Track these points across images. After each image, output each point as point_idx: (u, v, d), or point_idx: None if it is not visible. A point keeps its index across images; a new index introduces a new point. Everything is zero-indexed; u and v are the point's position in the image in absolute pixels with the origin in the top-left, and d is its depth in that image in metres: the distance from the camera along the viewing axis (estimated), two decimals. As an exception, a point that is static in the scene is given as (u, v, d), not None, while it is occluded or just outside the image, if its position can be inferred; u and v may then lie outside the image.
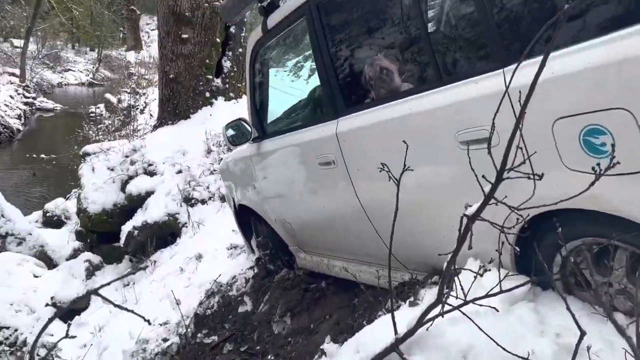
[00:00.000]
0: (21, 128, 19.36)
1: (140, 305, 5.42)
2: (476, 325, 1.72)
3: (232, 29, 7.73)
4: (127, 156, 7.19)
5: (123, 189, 7.00)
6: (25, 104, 21.87)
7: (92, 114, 20.33)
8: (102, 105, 20.11)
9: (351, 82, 2.56)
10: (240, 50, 7.81)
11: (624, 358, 1.45)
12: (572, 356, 1.37)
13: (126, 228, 6.53)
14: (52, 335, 6.01)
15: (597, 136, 1.53)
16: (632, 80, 1.42)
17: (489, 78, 1.83)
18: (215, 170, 6.59)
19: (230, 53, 7.82)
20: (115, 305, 1.63)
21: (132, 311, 1.64)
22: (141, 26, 37.49)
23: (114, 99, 19.42)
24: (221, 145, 6.77)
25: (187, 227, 6.36)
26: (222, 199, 6.32)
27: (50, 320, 1.16)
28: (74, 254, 7.70)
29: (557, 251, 1.88)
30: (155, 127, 7.90)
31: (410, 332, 1.85)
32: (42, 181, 13.22)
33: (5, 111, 18.74)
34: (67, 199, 10.31)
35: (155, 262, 6.20)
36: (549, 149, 1.68)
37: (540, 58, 1.30)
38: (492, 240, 1.81)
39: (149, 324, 1.62)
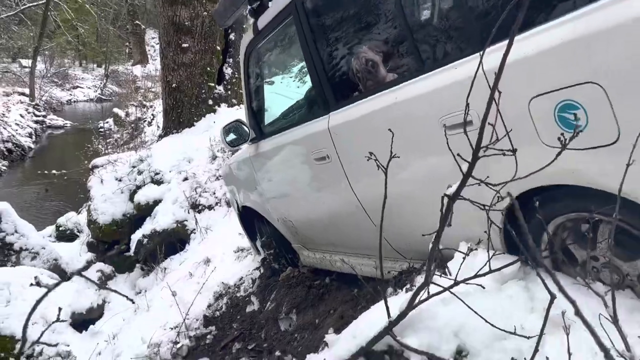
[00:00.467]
0: (32, 146, 19.65)
1: (152, 310, 5.50)
2: (465, 304, 1.75)
3: (232, 36, 7.82)
4: (134, 166, 7.30)
5: (131, 198, 7.10)
6: (36, 122, 22.21)
7: (101, 129, 20.60)
8: (110, 120, 20.38)
9: (339, 77, 2.61)
10: (241, 56, 7.90)
11: (604, 325, 1.47)
12: (544, 318, 1.40)
13: (136, 237, 6.63)
14: (69, 345, 6.13)
15: (571, 111, 1.56)
16: (600, 54, 1.45)
17: (466, 62, 1.87)
18: (220, 176, 6.66)
19: (231, 60, 7.91)
20: (98, 285, 1.68)
21: (115, 291, 1.70)
22: (146, 40, 37.94)
23: (122, 113, 19.67)
24: (225, 152, 6.85)
25: (195, 233, 6.43)
26: (229, 204, 6.39)
27: (37, 302, 1.21)
28: (88, 266, 7.79)
29: (544, 229, 1.91)
30: (160, 137, 8.00)
31: (402, 315, 1.88)
32: (54, 196, 13.41)
33: (17, 130, 19.04)
34: (79, 213, 10.46)
35: (165, 269, 6.28)
36: (527, 127, 1.71)
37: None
38: (482, 222, 1.85)
39: (132, 302, 1.67)
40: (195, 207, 6.56)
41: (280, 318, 3.75)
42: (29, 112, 22.44)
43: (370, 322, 2.05)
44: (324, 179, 2.96)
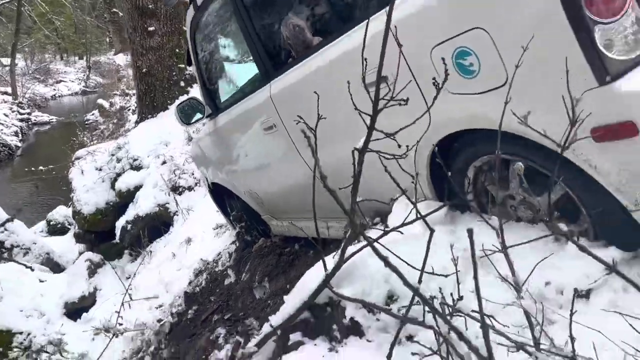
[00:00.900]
0: (20, 144, 19.62)
1: (139, 293, 5.63)
2: (389, 250, 1.84)
3: (199, 16, 7.78)
4: (112, 155, 7.34)
5: (113, 186, 7.16)
6: (21, 120, 22.12)
7: (87, 122, 20.51)
8: (96, 112, 20.28)
9: (274, 45, 2.66)
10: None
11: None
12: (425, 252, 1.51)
13: (120, 224, 6.71)
14: (64, 334, 6.27)
15: (465, 58, 1.62)
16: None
17: (376, 19, 1.92)
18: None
19: (200, 40, 7.88)
20: (20, 263, 1.76)
21: (15, 260, 1.78)
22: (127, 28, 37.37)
23: (106, 104, 19.54)
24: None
25: (177, 215, 6.51)
26: (208, 182, 6.47)
27: None
28: (80, 257, 7.94)
29: (465, 173, 1.99)
30: (137, 123, 8.03)
31: (336, 268, 1.97)
32: (44, 192, 13.47)
33: (1, 129, 18.97)
34: (68, 206, 10.53)
35: (151, 252, 6.39)
36: (433, 76, 1.77)
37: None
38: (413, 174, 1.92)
39: (32, 270, 1.75)
40: (176, 189, 6.63)
41: (254, 287, 3.86)
42: (13, 111, 22.32)
43: (312, 278, 2.15)
44: (275, 149, 3.02)
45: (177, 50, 7.50)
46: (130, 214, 6.71)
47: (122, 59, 31.24)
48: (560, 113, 1.30)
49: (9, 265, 7.23)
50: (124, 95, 18.98)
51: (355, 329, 1.97)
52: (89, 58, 34.93)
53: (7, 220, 6.32)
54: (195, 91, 7.70)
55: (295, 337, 2.16)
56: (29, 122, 22.78)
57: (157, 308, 4.75)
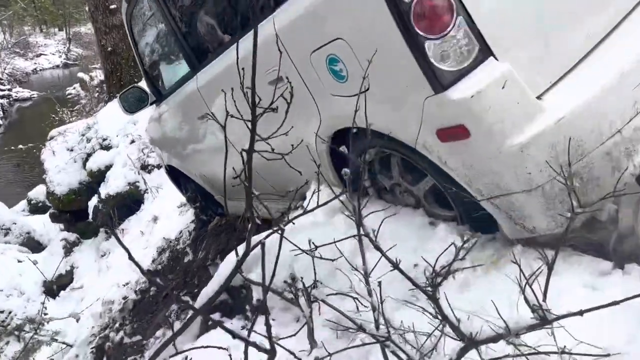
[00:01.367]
0: (1, 122, 19.52)
1: (112, 271, 5.84)
2: (287, 239, 2.02)
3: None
4: (83, 135, 7.43)
5: (84, 166, 7.28)
6: (1, 97, 21.93)
7: (69, 96, 20.36)
8: (77, 85, 20.08)
9: (195, 39, 2.76)
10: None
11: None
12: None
13: (92, 203, 6.87)
14: (47, 313, 6.53)
15: (336, 64, 1.76)
16: (338, 13, 1.63)
17: (267, 23, 2.04)
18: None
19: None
20: None
21: None
22: (104, -3, 36.58)
23: (86, 77, 19.35)
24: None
25: (148, 193, 6.67)
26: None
27: None
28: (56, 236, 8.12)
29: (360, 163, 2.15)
30: (106, 102, 8.09)
31: (245, 254, 2.14)
32: (26, 171, 13.54)
33: (-19, 108, 18.84)
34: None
35: (123, 230, 6.56)
36: (314, 77, 1.91)
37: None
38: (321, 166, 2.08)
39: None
40: (145, 167, 6.76)
41: (209, 265, 4.06)
42: (-7, 88, 22.12)
43: (229, 264, 2.33)
44: (210, 135, 3.16)
45: (140, 27, 7.51)
46: (101, 193, 6.85)
47: (102, 30, 30.83)
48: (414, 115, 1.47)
49: (-14, 247, 7.42)
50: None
51: (262, 309, 2.16)
52: (69, 30, 34.33)
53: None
54: (161, 69, 7.75)
55: (215, 317, 2.36)
56: (10, 99, 22.59)
57: (124, 286, 4.95)
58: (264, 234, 2.29)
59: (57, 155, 7.48)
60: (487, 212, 1.69)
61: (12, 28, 35.14)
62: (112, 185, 6.76)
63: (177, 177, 4.61)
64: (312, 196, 2.36)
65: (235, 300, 2.34)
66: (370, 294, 1.47)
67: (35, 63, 31.29)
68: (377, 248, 1.32)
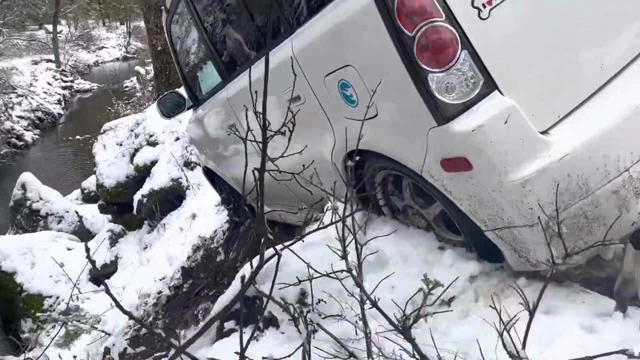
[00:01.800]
0: (62, 112, 20.47)
1: (151, 264, 6.07)
2: (296, 255, 2.07)
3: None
4: (131, 130, 7.72)
5: (132, 161, 7.57)
6: (64, 88, 22.98)
7: (126, 88, 21.13)
8: (134, 78, 20.80)
9: (226, 52, 2.84)
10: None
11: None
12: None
13: (137, 197, 7.13)
14: (89, 298, 6.85)
15: (347, 89, 1.79)
16: (348, 41, 1.66)
17: (288, 43, 2.08)
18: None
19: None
20: None
21: None
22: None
23: (142, 70, 20.01)
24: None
25: (190, 189, 6.87)
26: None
27: None
28: (103, 227, 8.49)
29: (374, 183, 2.17)
30: (155, 100, 8.36)
31: (259, 267, 2.20)
32: (81, 161, 14.17)
33: (45, 98, 19.82)
34: (99, 176, 11.15)
35: (165, 224, 6.79)
36: (329, 100, 1.94)
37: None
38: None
39: None
40: (187, 164, 6.97)
41: (238, 266, 4.16)
42: (56, 79, 23.20)
43: (246, 273, 2.40)
44: (240, 146, 3.24)
45: (190, 28, 7.72)
46: (146, 187, 7.11)
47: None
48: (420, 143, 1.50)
49: (40, 234, 7.85)
50: (158, 63, 19.31)
51: (273, 322, 2.23)
52: (129, 24, 35.54)
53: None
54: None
55: (229, 325, 2.43)
56: (72, 90, 23.63)
57: (160, 280, 5.14)
58: (279, 247, 2.35)
59: (107, 149, 7.81)
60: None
61: (77, 21, 36.75)
62: (157, 181, 7.01)
63: (213, 177, 4.75)
64: (325, 212, 2.42)
65: (249, 310, 2.40)
66: (365, 323, 1.49)
67: (97, 55, 32.60)
68: (358, 285, 1.34)
